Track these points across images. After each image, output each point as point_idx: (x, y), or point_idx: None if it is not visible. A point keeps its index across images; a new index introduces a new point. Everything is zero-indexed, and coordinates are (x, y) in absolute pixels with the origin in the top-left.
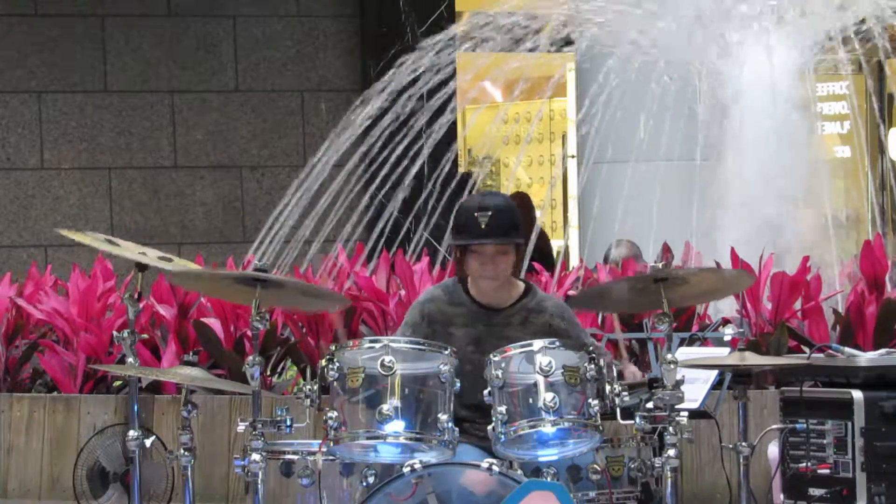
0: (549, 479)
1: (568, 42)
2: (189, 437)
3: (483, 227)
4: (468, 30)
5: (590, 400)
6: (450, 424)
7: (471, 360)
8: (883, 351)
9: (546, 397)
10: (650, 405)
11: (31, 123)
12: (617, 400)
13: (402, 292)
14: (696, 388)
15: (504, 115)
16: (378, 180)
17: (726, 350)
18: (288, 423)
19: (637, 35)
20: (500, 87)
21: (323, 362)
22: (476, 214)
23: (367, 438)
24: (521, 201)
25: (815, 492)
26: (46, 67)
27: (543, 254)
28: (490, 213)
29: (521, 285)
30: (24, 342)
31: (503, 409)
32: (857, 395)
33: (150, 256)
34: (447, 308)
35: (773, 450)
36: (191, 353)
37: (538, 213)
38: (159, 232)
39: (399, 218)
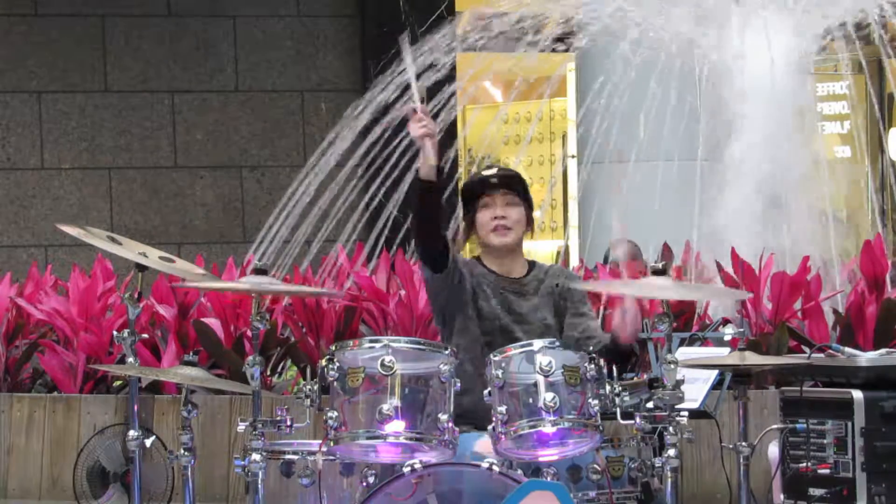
0: (549, 479)
1: (567, 40)
2: (189, 437)
3: (491, 180)
4: (468, 29)
5: (590, 400)
6: (450, 424)
7: (499, 326)
8: (883, 351)
9: (546, 397)
10: (650, 405)
11: (31, 123)
12: (617, 400)
13: (402, 292)
14: (696, 388)
15: (504, 114)
16: (378, 180)
17: (726, 350)
18: (288, 423)
19: (639, 30)
20: (500, 87)
21: (323, 362)
22: (483, 173)
23: (367, 438)
24: None
25: (815, 492)
26: (46, 67)
27: None
28: (495, 169)
29: (527, 263)
30: (24, 342)
31: (503, 408)
32: (858, 395)
33: (151, 257)
34: (469, 274)
35: (773, 450)
36: (191, 353)
37: (538, 213)
38: (159, 232)
39: (399, 218)
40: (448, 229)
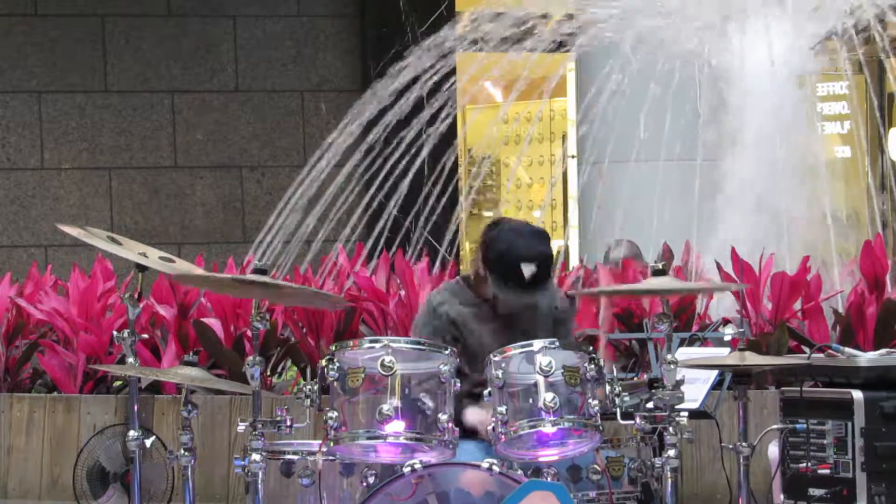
0: (549, 480)
1: (567, 41)
2: (189, 437)
3: (526, 278)
4: (468, 29)
5: (590, 400)
6: (450, 424)
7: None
8: (883, 351)
9: (546, 397)
10: (650, 405)
11: (31, 123)
12: (617, 400)
13: (402, 292)
14: (696, 388)
15: (504, 115)
16: (378, 180)
17: (726, 350)
18: (288, 423)
19: (639, 29)
20: (500, 87)
21: (323, 362)
22: (522, 265)
23: (367, 438)
24: None
25: (815, 492)
26: (46, 67)
27: None
28: (535, 264)
29: None
30: (24, 342)
31: (503, 409)
32: (857, 395)
33: (151, 257)
34: (460, 308)
35: (773, 450)
36: (191, 353)
37: (538, 213)
38: (159, 232)
39: (399, 218)
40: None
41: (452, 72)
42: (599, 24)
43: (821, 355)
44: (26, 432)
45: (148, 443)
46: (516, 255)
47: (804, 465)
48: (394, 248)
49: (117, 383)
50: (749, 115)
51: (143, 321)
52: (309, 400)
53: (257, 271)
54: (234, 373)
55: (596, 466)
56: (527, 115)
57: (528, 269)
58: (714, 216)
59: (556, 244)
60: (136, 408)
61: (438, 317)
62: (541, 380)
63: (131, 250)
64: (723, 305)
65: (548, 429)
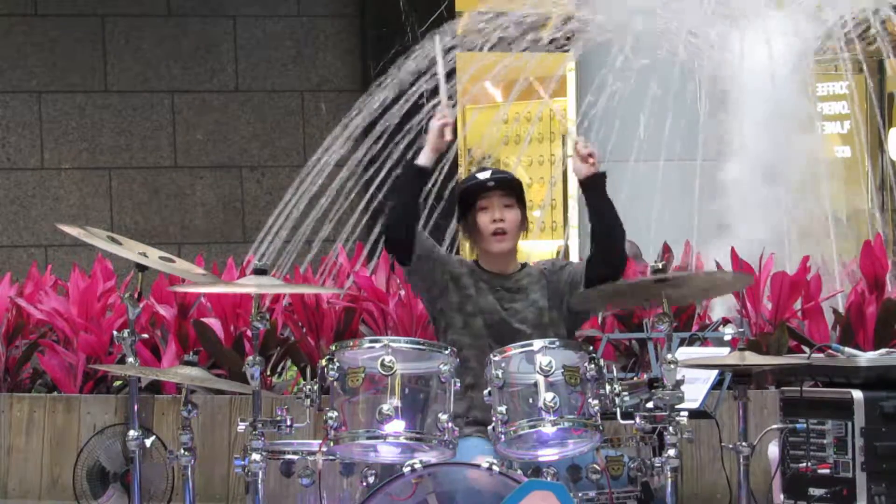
0: (549, 479)
1: (567, 39)
2: (189, 437)
3: (486, 180)
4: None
5: (590, 400)
6: (449, 424)
7: (499, 320)
8: (883, 351)
9: (546, 397)
10: (650, 405)
11: (31, 123)
12: (617, 400)
13: (402, 292)
14: (696, 388)
15: (504, 115)
16: (378, 180)
17: (726, 350)
18: (288, 423)
19: (639, 31)
20: (500, 87)
21: (323, 362)
22: (478, 176)
23: (367, 438)
24: None
25: (815, 492)
26: (46, 67)
27: None
28: (489, 172)
29: (519, 264)
30: (24, 342)
31: (503, 408)
32: (857, 395)
33: (151, 257)
34: (467, 273)
35: (773, 450)
36: (191, 353)
37: (538, 213)
38: (159, 232)
39: None
40: (447, 228)
41: (453, 71)
42: (599, 24)
43: (821, 355)
44: (26, 432)
45: (148, 443)
46: (470, 175)
47: (804, 464)
48: None
49: (117, 383)
50: (749, 115)
51: (143, 321)
52: (309, 400)
53: (257, 271)
54: (234, 373)
55: (596, 466)
56: (527, 115)
57: (482, 174)
58: (714, 216)
59: (556, 244)
60: (136, 408)
61: (458, 261)
62: (541, 379)
63: (131, 250)
64: (723, 305)
65: (548, 428)
